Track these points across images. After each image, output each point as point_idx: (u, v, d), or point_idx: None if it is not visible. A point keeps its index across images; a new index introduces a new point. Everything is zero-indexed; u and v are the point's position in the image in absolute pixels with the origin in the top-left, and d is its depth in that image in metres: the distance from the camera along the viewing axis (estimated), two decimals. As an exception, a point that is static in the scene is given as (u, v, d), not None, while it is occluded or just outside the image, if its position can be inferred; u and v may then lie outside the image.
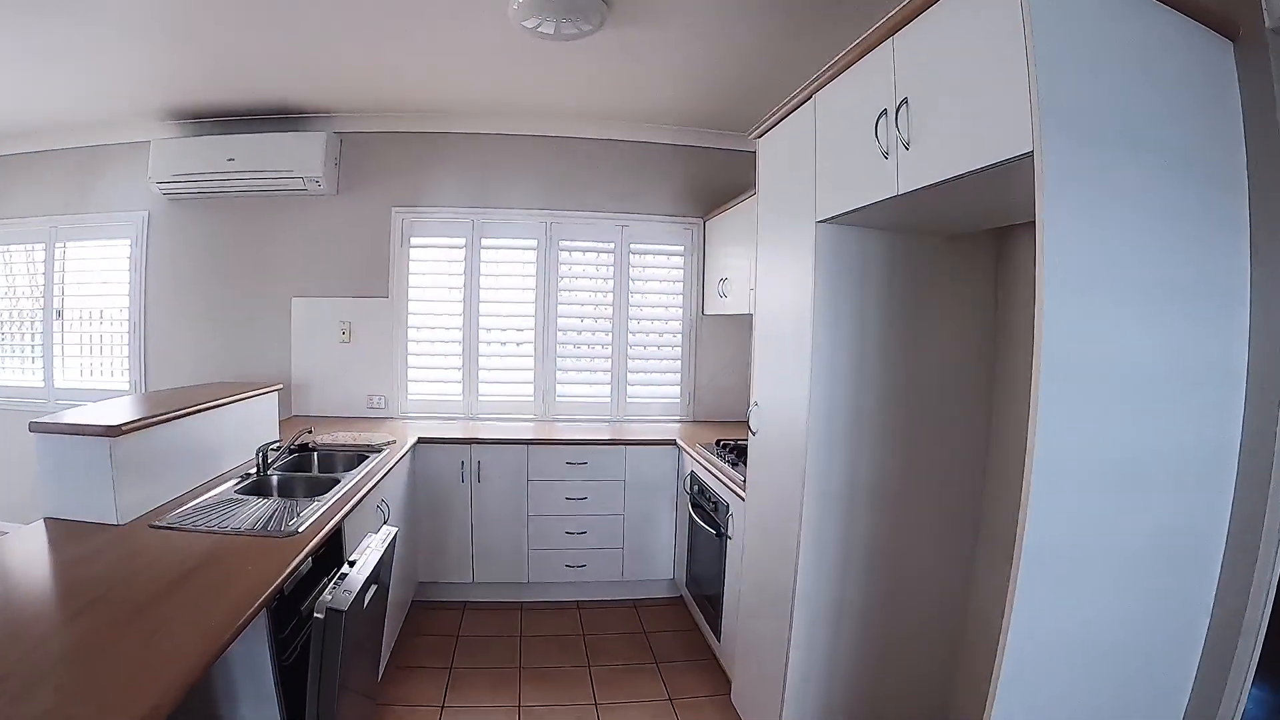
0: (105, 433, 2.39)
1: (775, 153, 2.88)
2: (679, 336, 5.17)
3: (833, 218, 2.36)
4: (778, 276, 2.84)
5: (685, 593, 4.36)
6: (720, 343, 5.19)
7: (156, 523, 2.40)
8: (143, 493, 2.53)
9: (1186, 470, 1.70)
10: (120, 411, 2.68)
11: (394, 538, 2.66)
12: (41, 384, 5.21)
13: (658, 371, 5.19)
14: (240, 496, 2.79)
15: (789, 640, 2.58)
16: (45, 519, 2.44)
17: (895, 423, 2.57)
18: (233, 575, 2.01)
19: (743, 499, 3.16)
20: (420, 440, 4.20)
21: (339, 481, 3.03)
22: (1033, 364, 1.47)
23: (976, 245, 2.60)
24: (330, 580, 2.24)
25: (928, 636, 2.69)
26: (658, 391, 5.19)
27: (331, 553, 2.56)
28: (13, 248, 5.23)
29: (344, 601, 2.06)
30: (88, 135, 4.99)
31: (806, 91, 2.50)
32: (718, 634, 3.64)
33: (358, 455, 3.63)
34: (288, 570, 2.06)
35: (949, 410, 2.62)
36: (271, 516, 2.49)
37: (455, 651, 3.78)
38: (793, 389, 2.62)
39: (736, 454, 3.75)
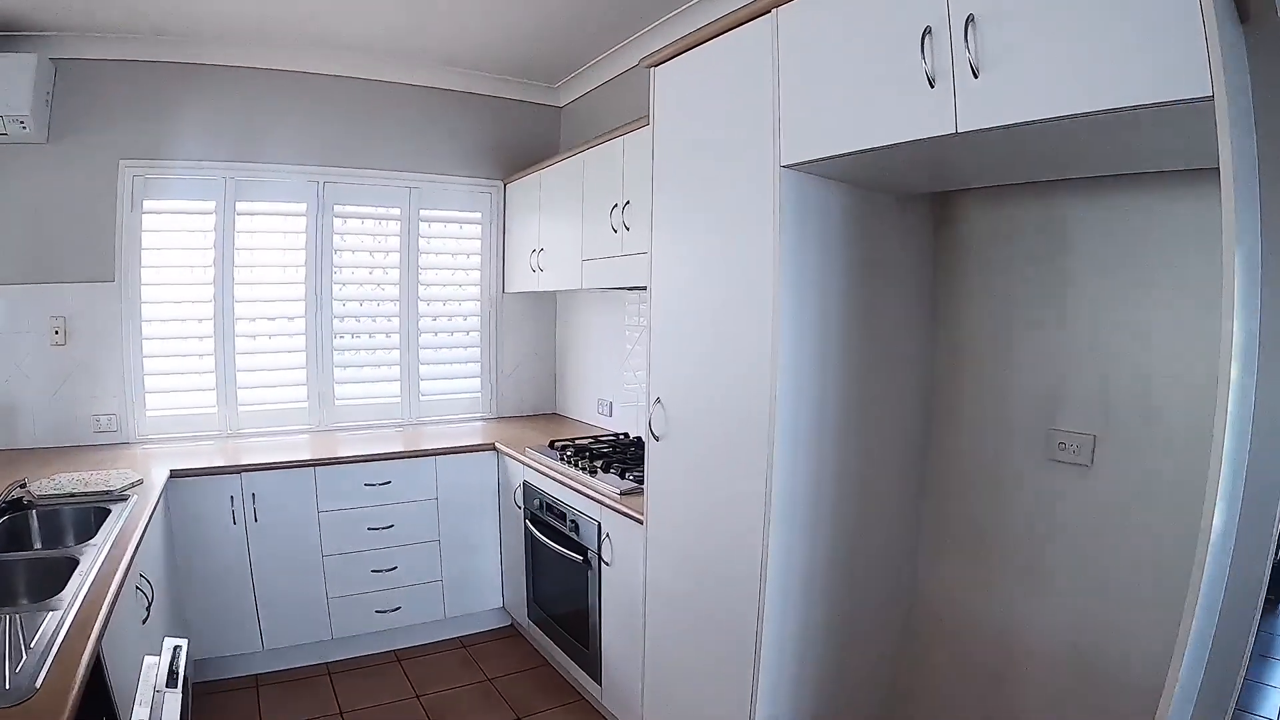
0: None
1: (687, 84, 2.27)
2: (477, 319, 4.43)
3: (808, 162, 1.84)
4: (699, 238, 2.26)
5: (522, 620, 3.72)
6: (524, 325, 4.53)
7: None
8: None
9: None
10: None
11: (184, 659, 1.72)
12: None
13: (455, 362, 4.42)
14: None
15: (756, 667, 2.04)
16: None
17: (855, 408, 2.13)
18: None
19: (637, 520, 2.57)
20: (174, 474, 3.12)
21: (77, 563, 2.00)
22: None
23: (920, 207, 2.23)
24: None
25: (884, 634, 2.35)
26: (456, 386, 4.43)
27: (90, 699, 1.58)
28: None
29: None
30: None
31: (759, 5, 1.94)
32: (591, 670, 3.04)
33: (95, 508, 2.56)
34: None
35: (898, 389, 2.26)
36: None
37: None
38: (737, 379, 2.07)
39: (586, 457, 3.18)
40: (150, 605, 2.28)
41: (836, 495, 2.11)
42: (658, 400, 2.43)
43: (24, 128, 3.27)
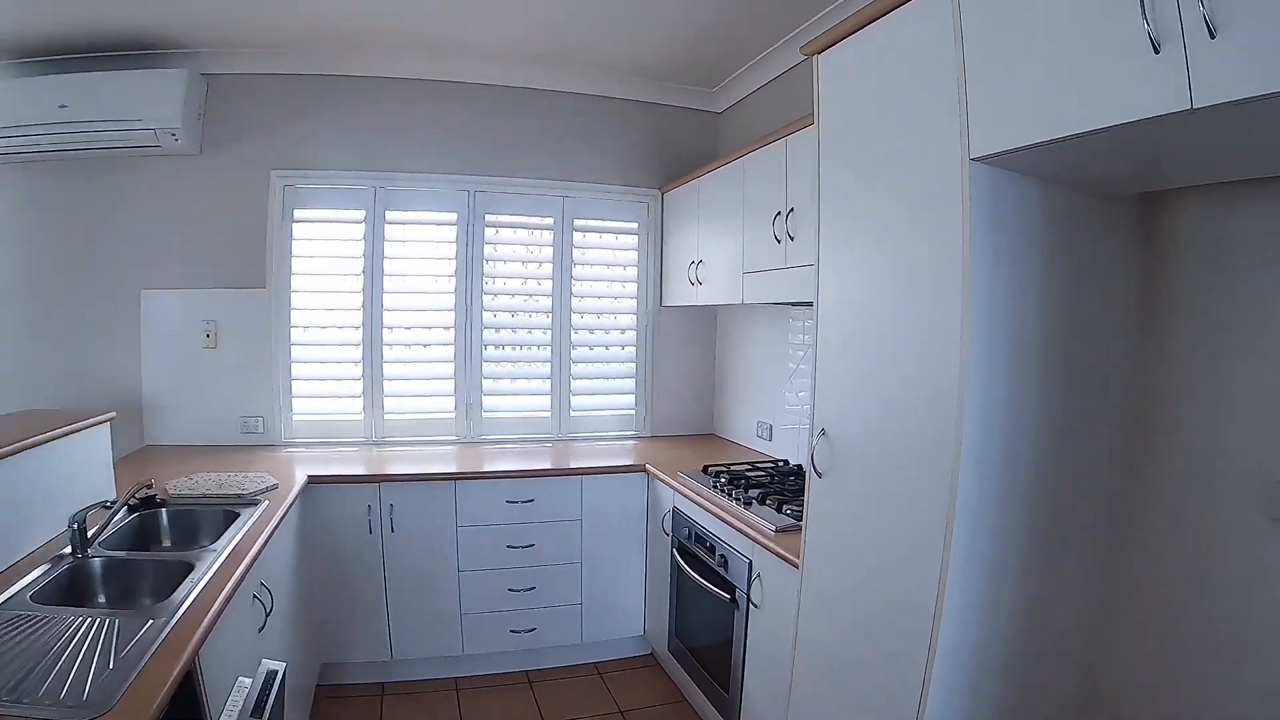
0: None
1: (855, 71, 2.00)
2: (633, 333, 4.27)
3: (1004, 153, 1.51)
4: (872, 247, 1.96)
5: (662, 651, 3.53)
6: (681, 340, 4.34)
7: None
8: None
9: None
10: None
11: (277, 685, 1.62)
12: None
13: (608, 377, 4.29)
14: (37, 610, 1.68)
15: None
16: None
17: (1050, 449, 1.76)
18: None
19: (792, 564, 2.29)
20: (311, 480, 3.13)
21: (191, 569, 1.96)
22: None
23: (1125, 209, 1.83)
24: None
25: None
26: (608, 402, 4.29)
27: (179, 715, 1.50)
28: None
29: None
30: None
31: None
32: (727, 716, 2.80)
33: (225, 510, 2.56)
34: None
35: (1094, 427, 1.86)
36: (84, 657, 1.43)
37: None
38: (915, 413, 1.77)
39: (740, 486, 2.94)
40: (269, 614, 2.23)
41: (1024, 555, 1.76)
42: (822, 431, 2.14)
43: (176, 140, 3.44)
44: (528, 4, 3.18)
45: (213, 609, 1.70)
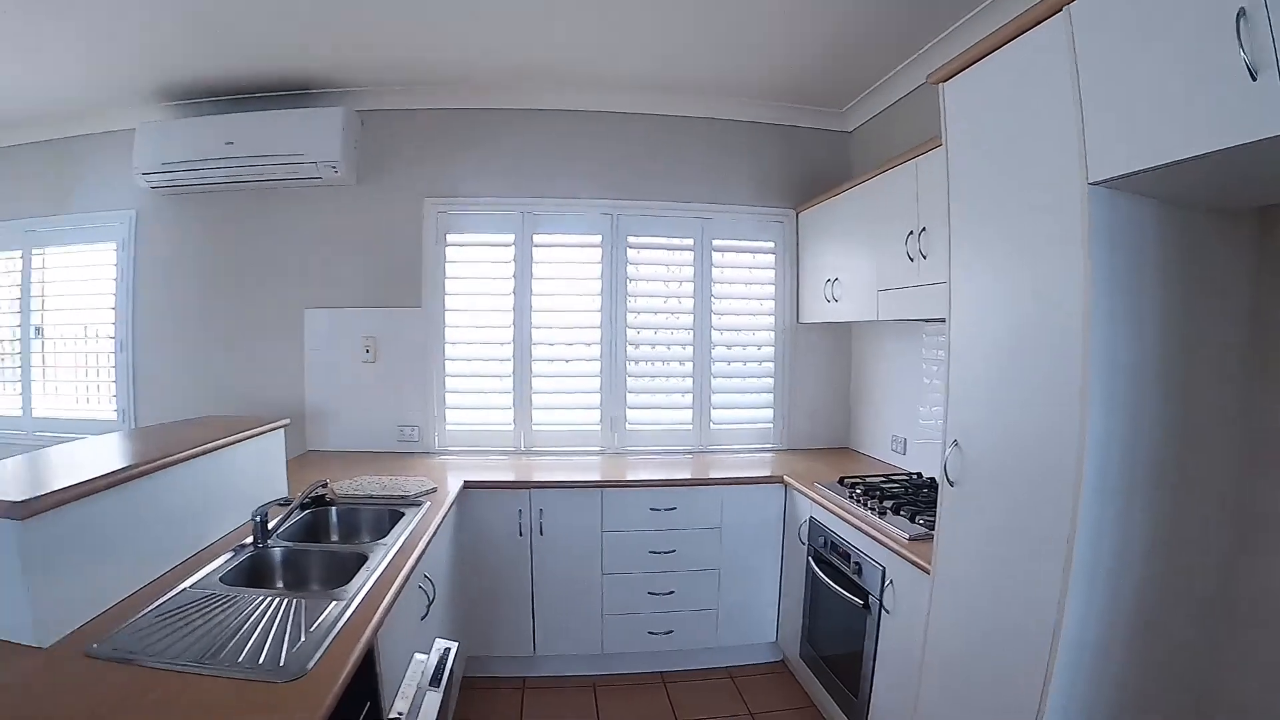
0: (7, 512, 1.58)
1: (977, 98, 2.08)
2: (770, 349, 4.39)
3: (1119, 177, 1.59)
4: (998, 267, 2.03)
5: (793, 657, 3.60)
6: (817, 355, 4.42)
7: (95, 646, 1.61)
8: (77, 594, 1.74)
9: None
10: (39, 471, 1.90)
11: (451, 661, 1.85)
12: (19, 412, 4.46)
13: (747, 392, 4.40)
14: (226, 590, 1.97)
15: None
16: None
17: (1170, 471, 1.79)
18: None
19: (923, 570, 2.38)
20: (467, 485, 3.41)
21: (365, 560, 2.22)
22: None
23: (1245, 225, 1.84)
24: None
25: None
26: (747, 415, 4.40)
27: (358, 685, 1.73)
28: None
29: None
30: (66, 125, 4.25)
31: (1049, 3, 1.73)
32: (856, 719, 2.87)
33: (389, 511, 2.85)
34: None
35: (1213, 448, 1.87)
36: (276, 631, 1.70)
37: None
38: (1039, 426, 1.84)
39: (875, 496, 3.01)
40: (430, 604, 2.47)
41: (1142, 567, 1.79)
42: (954, 443, 2.22)
43: (336, 171, 3.84)
44: (665, 34, 3.35)
45: (389, 594, 1.95)
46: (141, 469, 1.99)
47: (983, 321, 2.11)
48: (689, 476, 3.69)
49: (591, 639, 3.59)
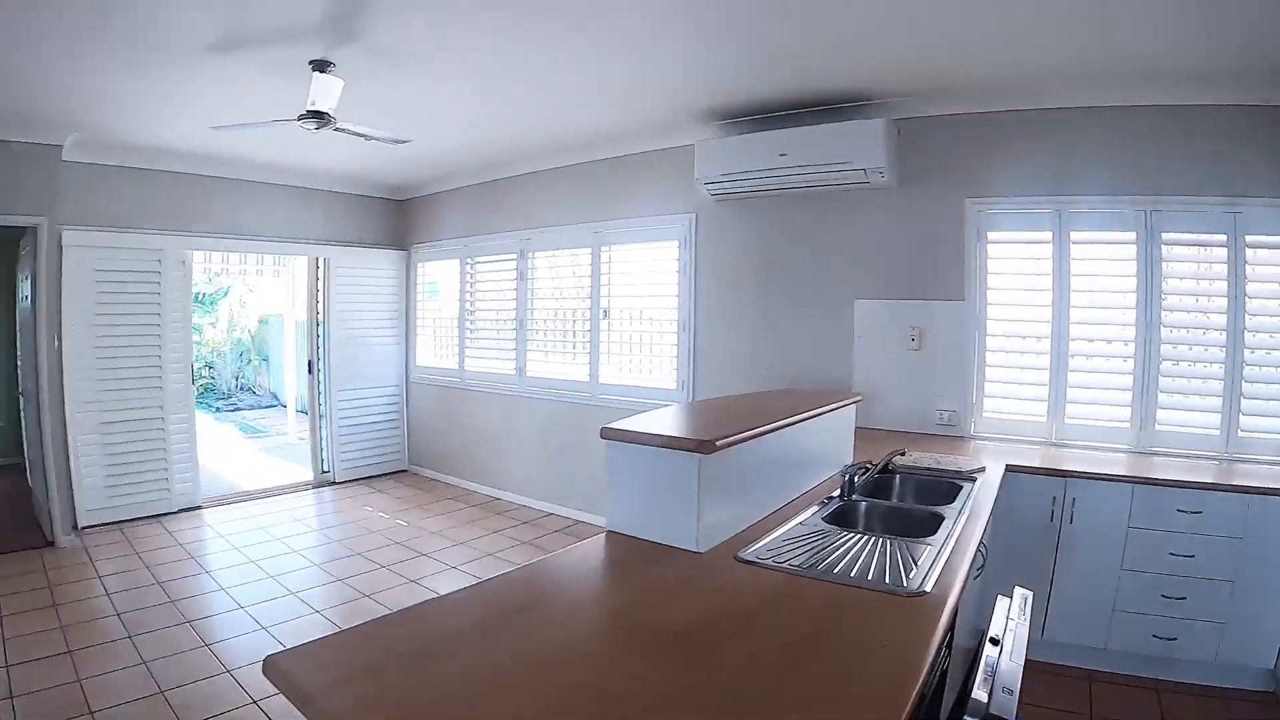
0: (696, 447, 2.14)
1: None
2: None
3: None
4: None
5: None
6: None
7: (742, 554, 2.16)
8: (724, 517, 2.31)
9: None
10: (700, 421, 2.54)
11: (1029, 607, 2.15)
12: (587, 378, 5.78)
13: (1281, 399, 4.01)
14: (828, 527, 2.47)
15: None
16: (609, 532, 2.33)
17: None
18: (864, 651, 1.62)
19: None
20: (1009, 468, 3.62)
21: (941, 520, 2.58)
22: None
23: None
24: (975, 667, 1.74)
25: None
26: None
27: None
28: (559, 253, 5.97)
29: (1009, 709, 1.54)
30: (626, 144, 5.31)
31: None
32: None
33: (946, 484, 3.18)
34: (931, 656, 1.58)
35: None
36: (878, 562, 2.12)
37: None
38: None
39: None
40: (983, 566, 2.75)
41: None
42: None
43: (882, 176, 4.28)
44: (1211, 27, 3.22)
45: (971, 544, 2.31)
46: (789, 420, 2.62)
47: None
48: (1221, 482, 3.53)
49: (1096, 632, 3.62)
